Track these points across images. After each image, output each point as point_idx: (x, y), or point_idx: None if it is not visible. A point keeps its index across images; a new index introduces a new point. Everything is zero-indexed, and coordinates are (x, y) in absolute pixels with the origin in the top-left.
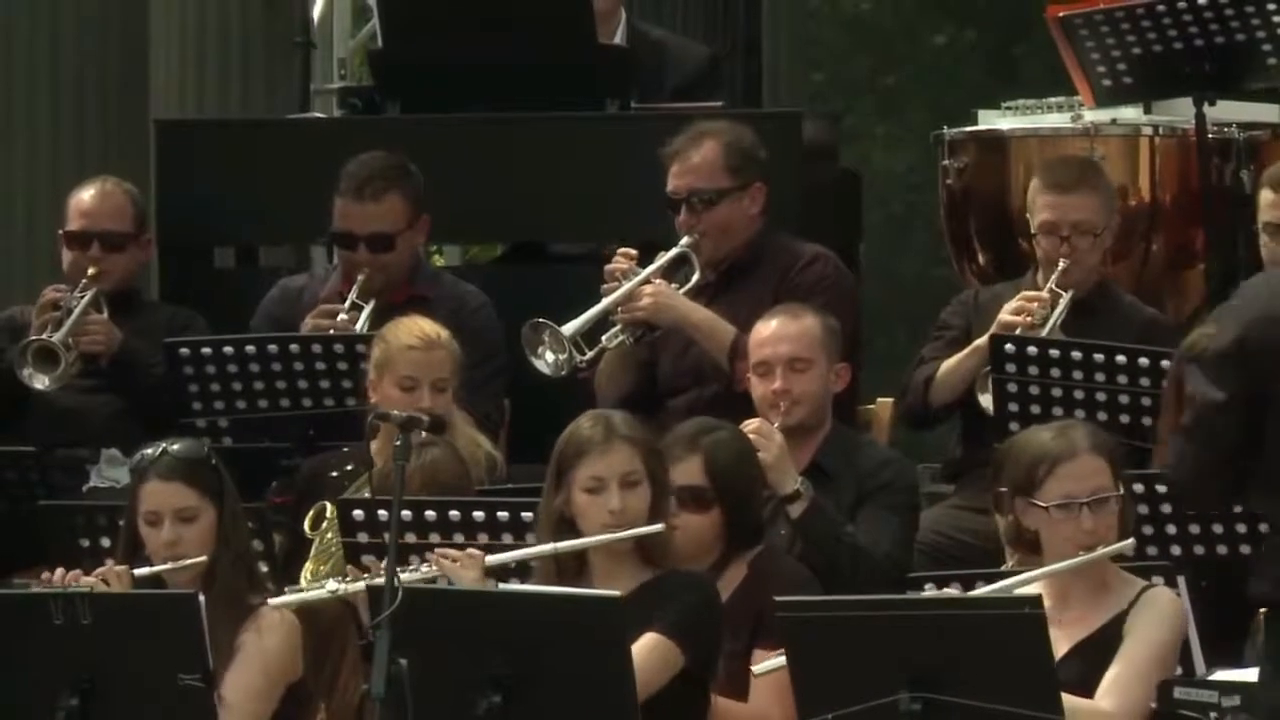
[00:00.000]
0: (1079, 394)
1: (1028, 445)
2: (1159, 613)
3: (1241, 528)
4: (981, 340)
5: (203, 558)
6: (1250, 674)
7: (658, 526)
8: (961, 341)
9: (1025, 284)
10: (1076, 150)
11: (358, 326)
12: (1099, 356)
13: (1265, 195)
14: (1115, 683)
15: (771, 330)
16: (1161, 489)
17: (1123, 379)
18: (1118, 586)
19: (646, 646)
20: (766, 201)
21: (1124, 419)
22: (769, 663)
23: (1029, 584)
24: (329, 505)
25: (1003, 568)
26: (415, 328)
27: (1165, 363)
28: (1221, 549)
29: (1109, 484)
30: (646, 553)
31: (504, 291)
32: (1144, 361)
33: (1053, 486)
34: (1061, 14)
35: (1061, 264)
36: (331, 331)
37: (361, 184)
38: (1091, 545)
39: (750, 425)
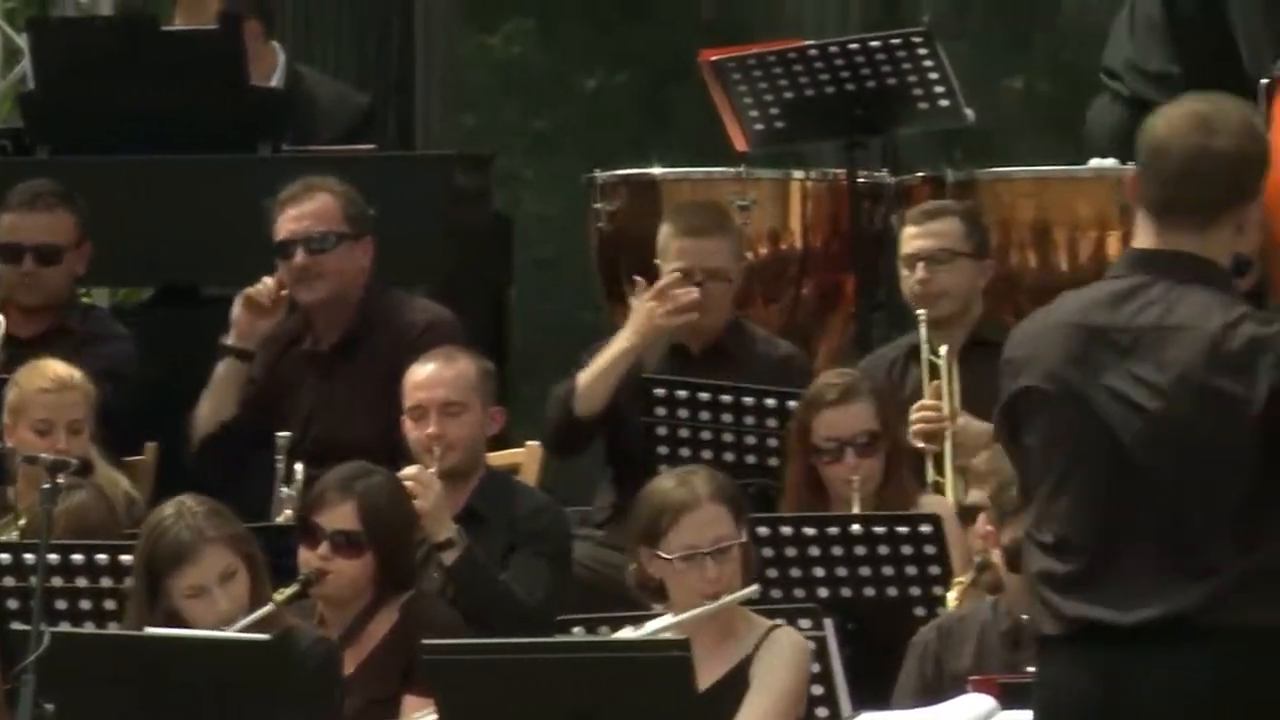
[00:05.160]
0: (728, 436)
1: (652, 495)
2: (783, 657)
3: (888, 570)
4: (626, 344)
5: None
6: (897, 715)
7: (267, 608)
8: None
9: None
10: (729, 194)
11: None
12: (748, 400)
13: (907, 230)
14: (749, 717)
15: (426, 374)
16: (809, 531)
17: (772, 422)
18: (744, 632)
19: None
20: (373, 262)
21: (772, 461)
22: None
23: (667, 629)
24: None
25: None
26: (48, 370)
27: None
28: (869, 591)
29: (730, 532)
30: (260, 628)
31: (155, 333)
32: (792, 404)
33: (676, 537)
34: (714, 58)
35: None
36: None
37: (35, 195)
38: (716, 594)
39: (408, 472)
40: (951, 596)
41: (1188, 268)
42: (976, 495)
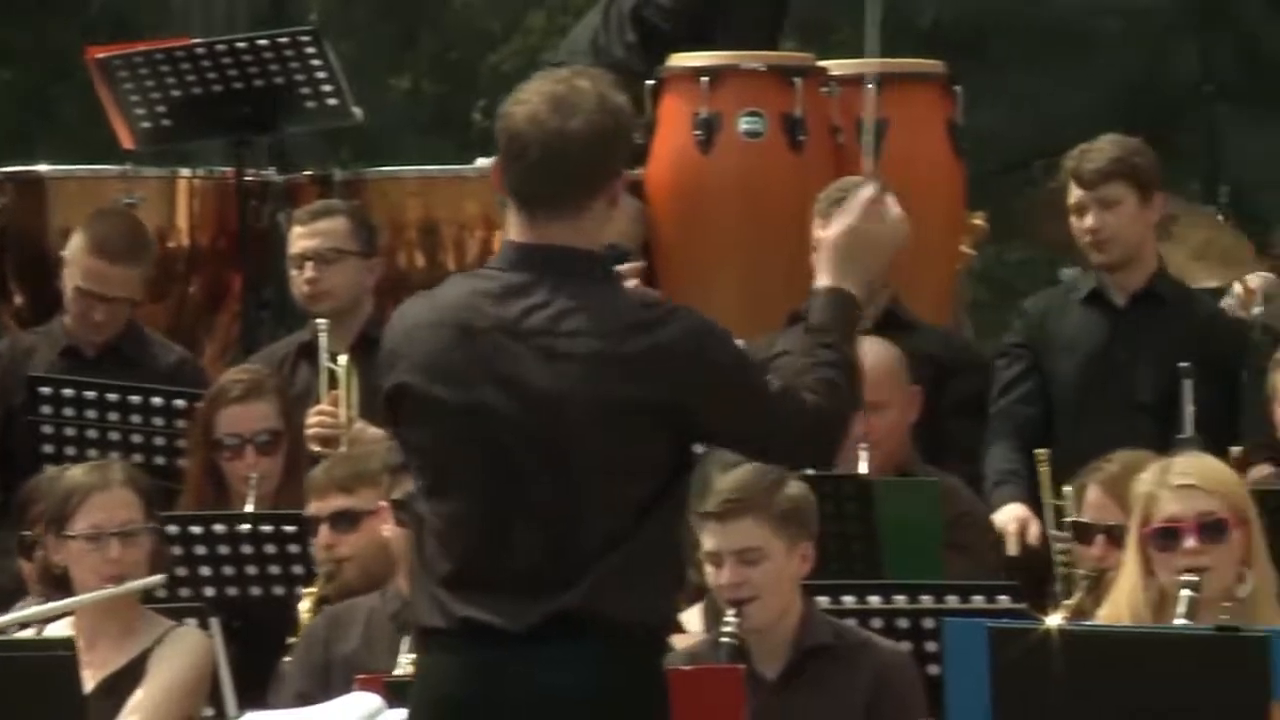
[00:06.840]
0: (115, 435)
1: (60, 481)
2: (181, 648)
3: (275, 569)
4: None
5: None
6: (283, 714)
7: None
8: None
9: (56, 330)
10: (116, 192)
11: None
12: (135, 398)
13: (295, 230)
14: (136, 708)
15: None
16: (196, 530)
17: (159, 420)
18: (145, 627)
19: None
20: None
21: (159, 460)
22: None
23: (59, 612)
24: None
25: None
26: None
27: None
28: (255, 590)
29: (139, 518)
30: None
31: None
32: (179, 403)
33: (83, 517)
34: (101, 55)
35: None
36: None
37: None
38: (119, 577)
39: None
40: (304, 607)
41: (567, 264)
42: (334, 503)
